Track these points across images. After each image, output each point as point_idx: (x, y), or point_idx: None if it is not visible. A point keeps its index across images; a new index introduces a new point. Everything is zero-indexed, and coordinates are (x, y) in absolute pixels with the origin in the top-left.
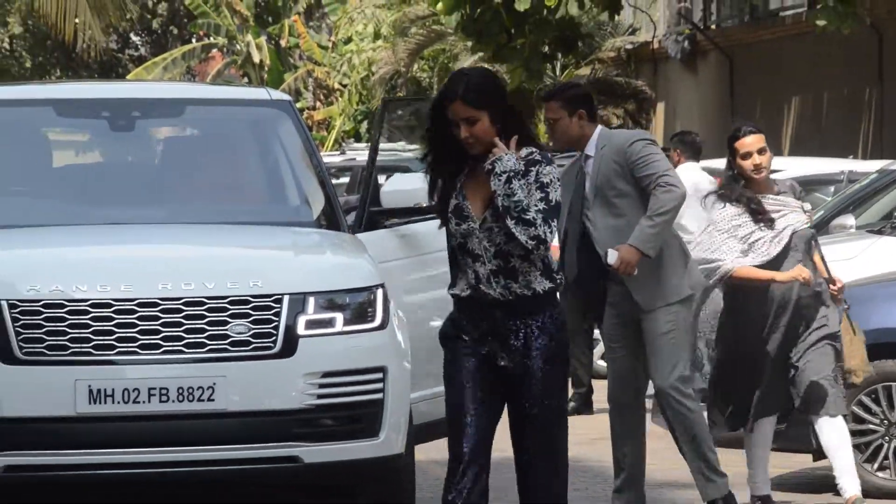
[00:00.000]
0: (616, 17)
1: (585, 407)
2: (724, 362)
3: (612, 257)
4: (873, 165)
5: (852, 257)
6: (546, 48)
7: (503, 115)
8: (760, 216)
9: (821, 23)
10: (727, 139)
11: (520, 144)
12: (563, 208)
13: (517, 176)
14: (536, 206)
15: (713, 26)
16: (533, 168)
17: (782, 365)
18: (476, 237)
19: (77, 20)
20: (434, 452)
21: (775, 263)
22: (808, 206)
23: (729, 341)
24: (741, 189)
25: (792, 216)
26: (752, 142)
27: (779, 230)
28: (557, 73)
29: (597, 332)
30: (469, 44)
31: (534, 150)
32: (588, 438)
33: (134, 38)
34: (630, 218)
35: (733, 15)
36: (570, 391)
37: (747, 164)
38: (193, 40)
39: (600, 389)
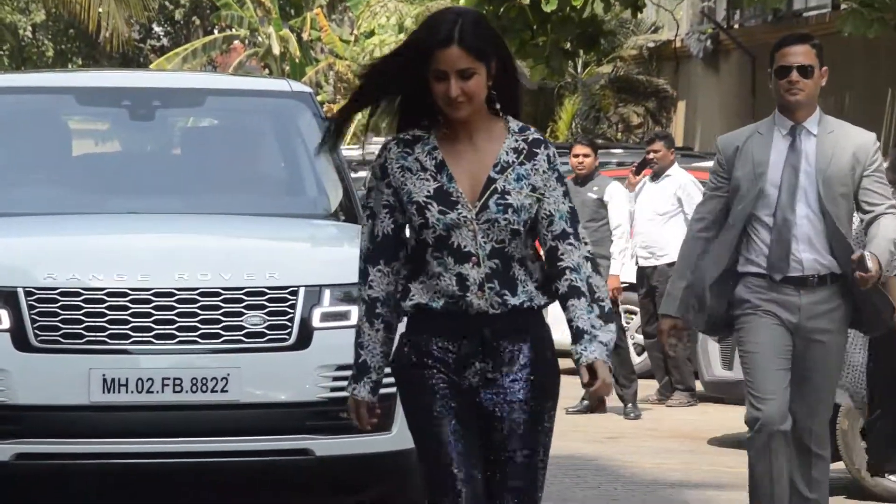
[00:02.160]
0: (639, 15)
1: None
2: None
3: (872, 262)
4: None
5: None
6: (568, 45)
7: (501, 70)
8: None
9: (847, 30)
10: None
11: (512, 109)
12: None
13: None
14: (563, 204)
15: (736, 25)
16: (539, 150)
17: None
18: (468, 230)
19: (101, 10)
20: None
21: None
22: None
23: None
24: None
25: None
26: None
27: None
28: (578, 69)
29: None
30: None
31: (529, 129)
32: (601, 437)
33: (156, 28)
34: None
35: (756, 14)
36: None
37: None
38: (215, 31)
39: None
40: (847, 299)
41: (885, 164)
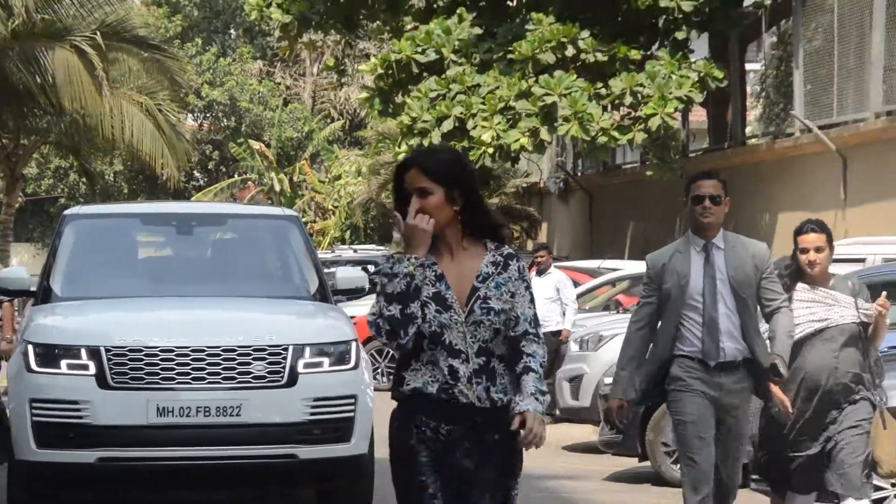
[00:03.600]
0: (515, 165)
1: None
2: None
3: (783, 367)
4: None
5: None
6: None
7: (464, 198)
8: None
9: (650, 173)
10: (793, 233)
11: (483, 235)
12: (680, 292)
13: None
14: (529, 309)
15: (579, 173)
16: (512, 263)
17: (816, 446)
18: (458, 331)
19: (161, 160)
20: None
21: (801, 348)
22: (863, 302)
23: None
24: (787, 277)
25: (837, 309)
26: (811, 239)
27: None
28: None
29: None
30: None
31: (503, 246)
32: None
33: (196, 173)
34: (746, 318)
35: (593, 166)
36: None
37: (803, 259)
38: (235, 175)
39: None
40: (751, 376)
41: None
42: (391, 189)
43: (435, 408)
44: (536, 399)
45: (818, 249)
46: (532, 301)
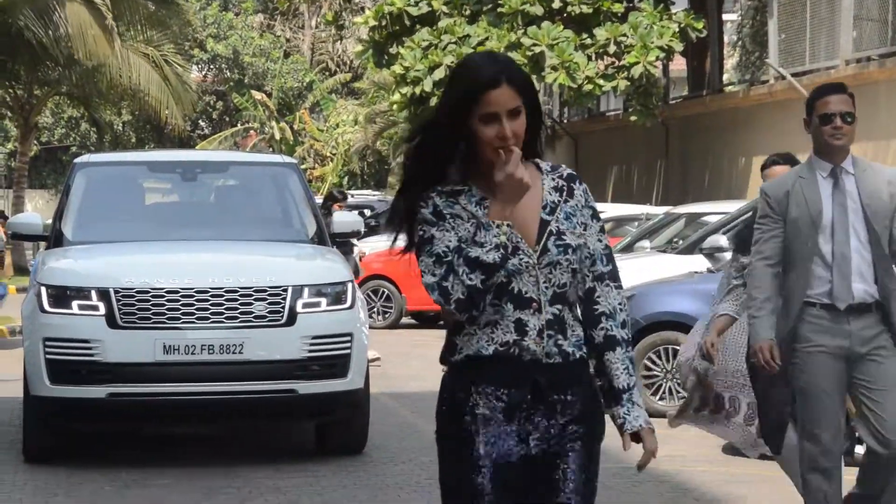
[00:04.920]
0: None
1: None
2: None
3: None
4: (661, 209)
5: (647, 268)
6: None
7: (531, 112)
8: None
9: (633, 118)
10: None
11: (531, 154)
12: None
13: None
14: (600, 242)
15: (565, 120)
16: (576, 186)
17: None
18: (530, 275)
19: (166, 111)
20: (375, 388)
21: None
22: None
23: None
24: None
25: None
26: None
27: None
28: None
29: None
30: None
31: (559, 166)
32: None
33: (201, 122)
34: (879, 255)
35: (578, 113)
36: None
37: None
38: (238, 124)
39: None
40: (885, 324)
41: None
42: (449, 117)
43: (489, 371)
44: (637, 403)
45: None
46: (603, 231)
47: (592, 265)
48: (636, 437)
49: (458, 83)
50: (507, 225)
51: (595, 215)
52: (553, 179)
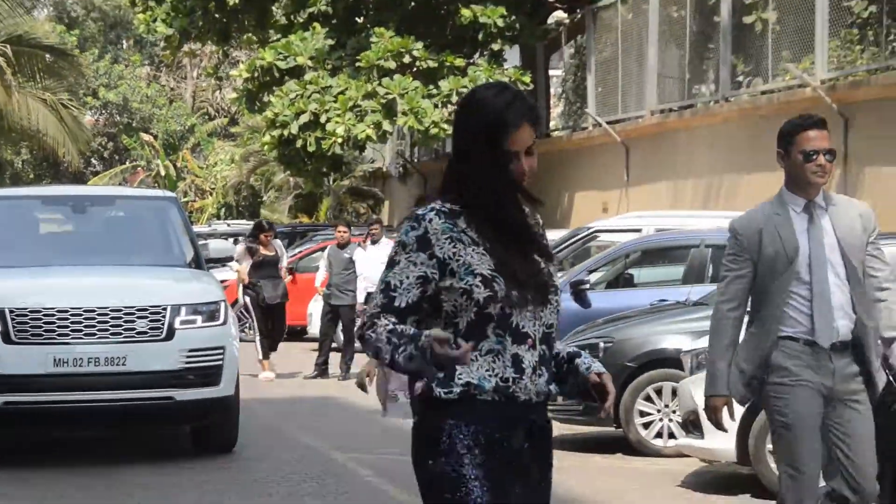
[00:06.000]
0: (362, 153)
1: None
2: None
3: None
4: None
5: None
6: (325, 170)
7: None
8: None
9: None
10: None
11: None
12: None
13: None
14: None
15: (416, 159)
16: (545, 234)
17: None
18: (528, 311)
19: (64, 149)
20: (245, 394)
21: None
22: None
23: None
24: None
25: None
26: None
27: None
28: (330, 182)
29: None
30: (282, 167)
31: (535, 208)
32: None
33: (93, 161)
34: (857, 290)
35: (427, 153)
36: None
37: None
38: (127, 162)
39: None
40: (859, 362)
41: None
42: (478, 148)
43: (490, 411)
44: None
45: None
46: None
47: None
48: (599, 388)
49: (478, 117)
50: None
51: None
52: (535, 220)
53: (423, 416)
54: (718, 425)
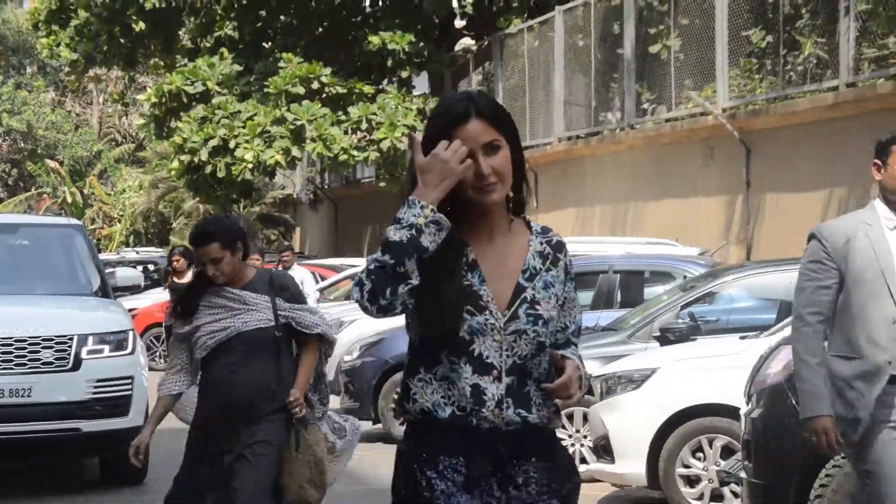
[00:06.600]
0: (272, 179)
1: None
2: None
3: None
4: None
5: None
6: (235, 196)
7: (516, 152)
8: None
9: (382, 184)
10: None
11: (519, 211)
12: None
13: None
14: (577, 317)
15: (326, 186)
16: (561, 256)
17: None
18: (494, 340)
19: None
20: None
21: None
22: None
23: None
24: None
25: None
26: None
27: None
28: (240, 209)
29: None
30: (191, 193)
31: (549, 230)
32: None
33: None
34: None
35: (337, 180)
36: None
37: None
38: (33, 189)
39: None
40: None
41: None
42: (414, 161)
43: (447, 439)
44: (577, 356)
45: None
46: (577, 306)
47: (559, 337)
48: (559, 366)
49: (430, 123)
50: (431, 209)
51: (574, 288)
52: (541, 244)
53: (398, 450)
54: (832, 447)
